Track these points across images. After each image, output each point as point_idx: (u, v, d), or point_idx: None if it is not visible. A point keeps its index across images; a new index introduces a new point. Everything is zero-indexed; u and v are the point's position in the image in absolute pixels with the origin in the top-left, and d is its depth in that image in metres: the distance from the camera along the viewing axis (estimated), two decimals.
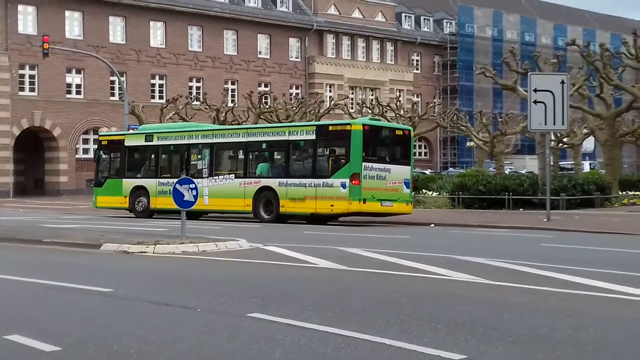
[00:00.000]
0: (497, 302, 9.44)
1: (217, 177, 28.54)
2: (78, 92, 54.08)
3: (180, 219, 18.00)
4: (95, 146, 34.66)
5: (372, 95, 69.51)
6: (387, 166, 26.17)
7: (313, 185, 26.01)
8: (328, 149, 26.79)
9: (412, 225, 26.61)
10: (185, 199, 17.10)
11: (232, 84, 61.38)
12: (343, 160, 25.81)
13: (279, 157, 27.87)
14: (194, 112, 47.10)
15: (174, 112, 46.76)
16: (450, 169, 66.97)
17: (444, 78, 77.49)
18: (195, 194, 17.09)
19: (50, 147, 53.94)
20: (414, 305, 9.25)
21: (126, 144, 31.68)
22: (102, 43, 54.34)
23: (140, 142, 31.31)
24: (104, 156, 32.36)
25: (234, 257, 14.71)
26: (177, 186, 17.16)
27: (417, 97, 74.13)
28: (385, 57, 72.38)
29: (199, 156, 29.43)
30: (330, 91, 67.09)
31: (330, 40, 68.44)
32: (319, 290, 10.48)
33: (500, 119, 50.92)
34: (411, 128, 29.03)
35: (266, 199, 27.07)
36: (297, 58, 66.03)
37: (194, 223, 24.92)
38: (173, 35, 58.19)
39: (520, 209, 33.21)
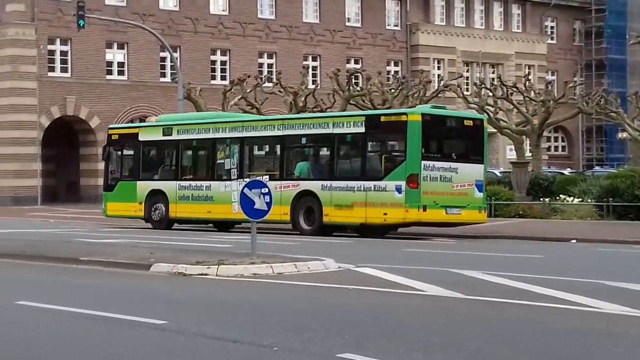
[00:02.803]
0: None
1: (248, 180, 28.31)
2: (120, 73, 55.10)
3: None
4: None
5: (492, 72, 68.93)
6: (454, 165, 26.36)
7: (363, 189, 26.33)
8: (381, 145, 27.37)
9: (547, 241, 26.42)
10: (256, 207, 17.26)
11: (313, 60, 61.65)
12: (398, 159, 26.17)
13: (322, 154, 28.49)
14: (265, 96, 47.47)
15: (239, 97, 47.21)
16: (597, 167, 65.92)
17: (587, 50, 76.36)
18: (268, 200, 17.26)
19: (86, 142, 55.07)
20: (548, 345, 9.17)
21: (141, 138, 32.39)
22: (150, 10, 55.28)
23: (158, 136, 31.96)
24: (114, 154, 33.08)
25: (319, 282, 14.81)
26: (246, 191, 17.33)
27: (552, 74, 73.22)
28: (510, 23, 71.70)
29: (227, 154, 30.11)
30: (438, 68, 66.81)
31: (438, 3, 68.15)
32: (428, 325, 10.48)
33: None
34: (484, 117, 29.41)
35: (307, 206, 27.62)
36: (397, 26, 65.94)
37: (235, 236, 25.12)
38: None
39: None
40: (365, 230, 27.26)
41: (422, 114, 26.18)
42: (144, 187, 31.70)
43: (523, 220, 34.43)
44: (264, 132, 29.56)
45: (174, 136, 31.36)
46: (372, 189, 26.03)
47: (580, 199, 38.18)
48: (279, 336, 9.76)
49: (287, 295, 13.68)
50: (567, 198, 39.08)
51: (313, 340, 9.49)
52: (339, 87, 47.01)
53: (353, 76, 49.17)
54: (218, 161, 30.40)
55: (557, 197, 38.97)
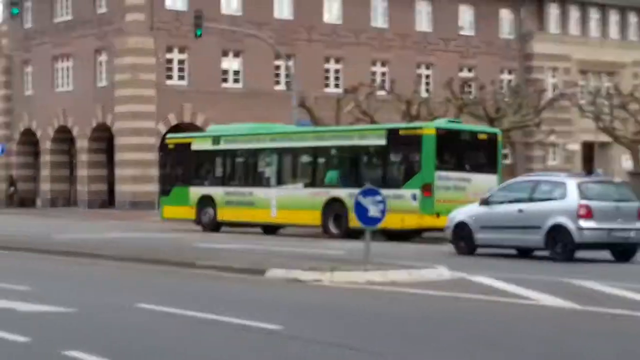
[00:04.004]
0: None
1: (285, 186, 31.74)
2: (236, 81, 55.68)
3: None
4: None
5: (608, 81, 67.74)
6: (468, 175, 28.30)
7: None
8: (399, 156, 29.25)
9: None
10: (370, 214, 17.25)
11: (427, 68, 61.41)
12: (415, 169, 28.20)
13: (349, 164, 30.81)
14: (379, 104, 47.42)
15: (353, 105, 47.29)
16: None
17: None
18: (382, 208, 17.23)
19: None
20: None
21: (193, 148, 34.82)
22: (265, 19, 55.75)
23: (208, 145, 34.52)
24: (170, 162, 36.03)
25: (432, 290, 14.74)
26: (360, 198, 17.32)
27: None
28: (626, 31, 70.38)
29: (267, 162, 32.73)
30: (553, 77, 65.92)
31: (553, 10, 67.24)
32: (540, 335, 10.33)
33: None
34: (498, 131, 30.97)
35: (335, 212, 29.64)
36: (510, 35, 65.25)
37: (348, 243, 25.08)
38: (352, 8, 58.91)
39: None
40: (389, 235, 28.26)
41: (437, 128, 28.40)
42: (195, 192, 34.00)
43: None
44: (299, 143, 31.91)
45: (222, 146, 33.93)
46: (392, 196, 26.04)
47: None
48: (392, 344, 9.72)
49: (401, 302, 13.63)
50: None
51: (427, 350, 9.42)
52: (452, 95, 46.75)
53: (466, 85, 48.88)
54: (259, 169, 32.96)
55: None
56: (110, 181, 54.07)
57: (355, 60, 58.89)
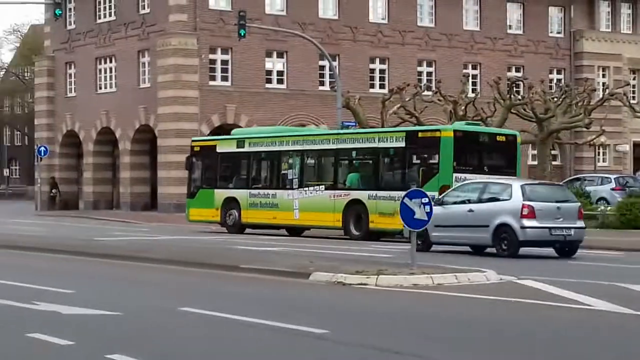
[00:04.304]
0: None
1: (307, 189, 32.38)
2: (279, 81, 55.75)
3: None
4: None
5: None
6: (486, 177, 27.87)
7: None
8: (418, 158, 29.80)
9: None
10: (416, 217, 17.24)
11: (474, 68, 61.13)
12: (433, 171, 28.77)
13: (369, 166, 31.55)
14: (425, 105, 47.27)
15: (398, 105, 47.21)
16: None
17: None
18: (429, 210, 17.20)
19: None
20: None
21: (218, 150, 35.72)
22: (309, 19, 55.79)
23: (232, 148, 35.33)
24: (196, 164, 36.66)
25: (480, 294, 14.69)
26: (406, 201, 17.32)
27: None
28: None
29: (289, 164, 33.47)
30: (603, 76, 65.39)
31: (604, 9, 66.70)
32: (595, 340, 10.26)
33: None
34: (517, 133, 31.26)
35: (356, 213, 30.51)
36: (559, 33, 64.80)
37: (394, 246, 25.04)
38: (398, 7, 58.83)
39: None
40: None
41: (455, 130, 29.10)
42: (220, 194, 34.94)
43: None
44: (320, 146, 32.74)
45: (246, 148, 34.71)
46: None
47: None
48: (440, 348, 9.71)
49: (447, 306, 13.60)
50: None
51: (475, 355, 9.40)
52: (499, 95, 46.50)
53: (514, 84, 48.61)
54: (282, 171, 33.63)
55: None
56: (153, 183, 54.34)
57: (400, 60, 58.81)
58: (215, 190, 34.98)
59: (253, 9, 51.32)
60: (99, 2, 57.23)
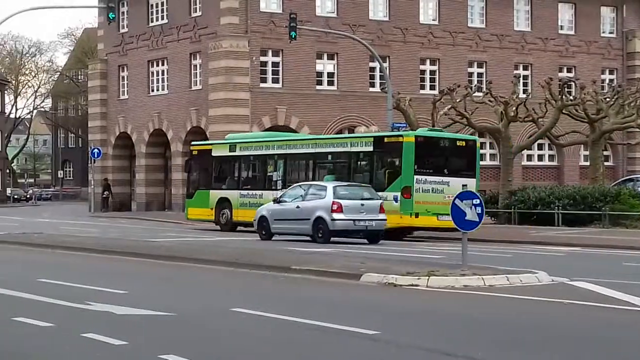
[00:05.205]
0: None
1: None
2: (330, 83, 55.81)
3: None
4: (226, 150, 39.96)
5: None
6: (446, 179, 31.35)
7: None
8: (384, 161, 32.46)
9: None
10: (467, 218, 17.14)
11: (524, 68, 60.78)
12: (396, 173, 31.27)
13: (342, 169, 33.74)
14: (476, 106, 47.09)
15: (449, 107, 47.09)
16: None
17: None
18: (480, 211, 17.11)
19: None
20: None
21: (213, 154, 38.68)
22: (359, 21, 55.80)
23: (225, 152, 38.18)
24: (194, 167, 39.68)
25: (531, 295, 14.61)
26: (457, 202, 17.23)
27: None
28: None
29: (274, 167, 36.17)
30: None
31: None
32: None
33: None
34: (476, 138, 33.96)
35: None
36: (612, 33, 64.26)
37: (446, 246, 24.97)
38: (448, 8, 58.64)
39: None
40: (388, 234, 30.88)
41: (416, 136, 31.81)
42: (214, 195, 37.66)
43: None
44: (301, 150, 35.46)
45: (237, 152, 37.61)
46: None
47: None
48: (491, 350, 9.67)
49: (498, 308, 13.54)
50: None
51: (526, 357, 9.35)
52: (551, 96, 46.20)
53: (566, 85, 48.27)
54: (268, 173, 36.34)
55: None
56: None
57: (451, 61, 58.64)
58: (211, 191, 37.68)
59: (304, 11, 51.45)
60: (152, 6, 57.71)
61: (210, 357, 9.48)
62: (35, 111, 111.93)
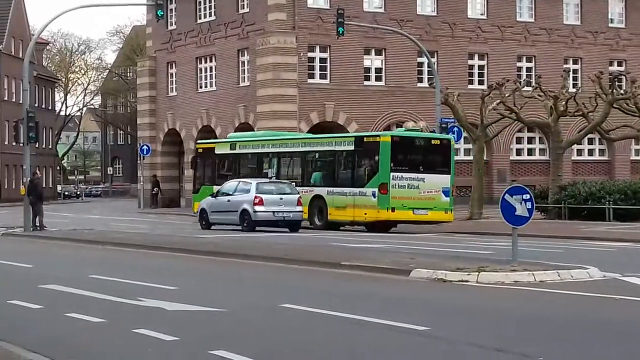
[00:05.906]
0: None
1: None
2: (378, 78, 55.73)
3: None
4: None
5: None
6: (421, 175, 33.35)
7: (352, 194, 33.90)
8: (364, 160, 34.62)
9: None
10: (517, 213, 17.05)
11: (574, 63, 60.31)
12: (375, 171, 33.36)
13: (328, 167, 36.39)
14: (525, 101, 46.74)
15: (498, 101, 46.82)
16: None
17: None
18: (530, 207, 17.00)
19: None
20: None
21: (216, 152, 41.23)
22: (407, 16, 55.66)
23: (227, 150, 40.66)
24: (200, 164, 42.09)
25: (582, 291, 14.49)
26: (507, 197, 17.13)
27: None
28: None
29: (269, 164, 38.54)
30: None
31: None
32: None
33: None
34: (451, 137, 36.20)
35: (319, 207, 35.14)
36: None
37: (496, 242, 24.80)
38: (497, 2, 58.30)
39: None
40: (371, 227, 33.74)
41: (392, 136, 34.38)
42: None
43: None
44: (292, 148, 37.90)
45: (237, 150, 40.04)
46: (358, 194, 33.54)
47: None
48: (543, 346, 9.61)
49: (550, 304, 13.45)
50: None
51: (578, 353, 9.28)
52: (601, 90, 45.78)
53: (616, 79, 47.83)
54: (263, 170, 38.43)
55: None
56: None
57: (500, 55, 58.35)
58: (214, 187, 38.08)
59: (351, 6, 51.39)
60: (199, 3, 57.95)
61: (260, 353, 9.50)
62: (84, 108, 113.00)
